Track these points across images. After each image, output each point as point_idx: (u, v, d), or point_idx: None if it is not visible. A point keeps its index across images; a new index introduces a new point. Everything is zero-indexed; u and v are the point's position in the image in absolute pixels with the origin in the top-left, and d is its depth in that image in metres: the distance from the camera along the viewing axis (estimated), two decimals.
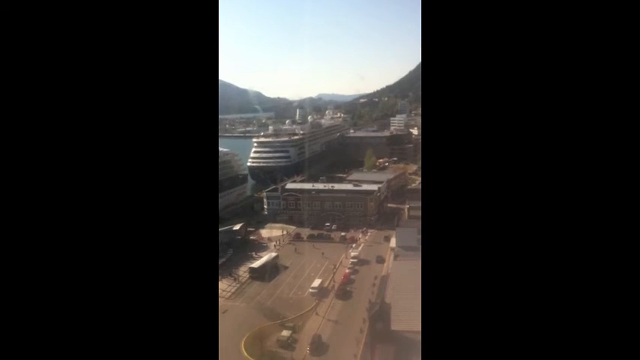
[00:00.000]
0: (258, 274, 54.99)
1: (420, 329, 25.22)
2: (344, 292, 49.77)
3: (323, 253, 62.75)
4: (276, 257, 60.51)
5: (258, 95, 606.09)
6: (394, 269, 49.34)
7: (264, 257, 59.85)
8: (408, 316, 36.25)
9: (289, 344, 39.29)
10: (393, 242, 61.39)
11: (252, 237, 71.89)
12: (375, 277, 51.47)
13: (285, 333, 40.48)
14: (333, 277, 53.59)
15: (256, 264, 56.94)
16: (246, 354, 37.65)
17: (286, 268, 58.59)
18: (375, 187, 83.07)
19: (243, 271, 56.65)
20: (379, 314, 34.59)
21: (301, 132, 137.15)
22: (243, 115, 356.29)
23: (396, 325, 34.96)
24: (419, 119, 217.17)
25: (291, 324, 42.59)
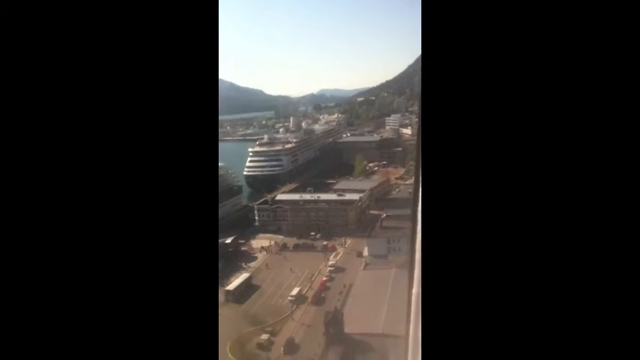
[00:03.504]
0: (232, 297, 58.02)
1: (369, 332, 35.24)
2: (319, 299, 57.46)
3: (292, 269, 66.62)
4: (250, 278, 63.97)
5: (259, 93, 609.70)
6: (358, 278, 57.49)
7: (238, 279, 62.89)
8: (359, 319, 44.64)
9: (267, 347, 47.71)
10: (366, 251, 69.37)
11: (243, 248, 79.64)
12: (344, 286, 59.25)
13: (264, 337, 48.90)
14: (310, 285, 61.70)
15: (231, 286, 59.37)
16: (230, 355, 46.01)
17: (259, 287, 62.35)
18: (356, 196, 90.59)
19: (233, 279, 62.81)
20: (333, 320, 42.79)
21: (294, 140, 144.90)
22: (243, 116, 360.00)
23: (348, 328, 43.23)
24: (414, 117, 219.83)
25: (269, 329, 50.88)
